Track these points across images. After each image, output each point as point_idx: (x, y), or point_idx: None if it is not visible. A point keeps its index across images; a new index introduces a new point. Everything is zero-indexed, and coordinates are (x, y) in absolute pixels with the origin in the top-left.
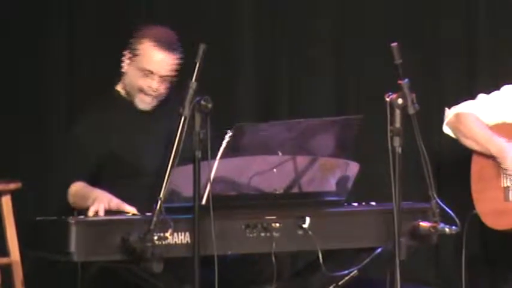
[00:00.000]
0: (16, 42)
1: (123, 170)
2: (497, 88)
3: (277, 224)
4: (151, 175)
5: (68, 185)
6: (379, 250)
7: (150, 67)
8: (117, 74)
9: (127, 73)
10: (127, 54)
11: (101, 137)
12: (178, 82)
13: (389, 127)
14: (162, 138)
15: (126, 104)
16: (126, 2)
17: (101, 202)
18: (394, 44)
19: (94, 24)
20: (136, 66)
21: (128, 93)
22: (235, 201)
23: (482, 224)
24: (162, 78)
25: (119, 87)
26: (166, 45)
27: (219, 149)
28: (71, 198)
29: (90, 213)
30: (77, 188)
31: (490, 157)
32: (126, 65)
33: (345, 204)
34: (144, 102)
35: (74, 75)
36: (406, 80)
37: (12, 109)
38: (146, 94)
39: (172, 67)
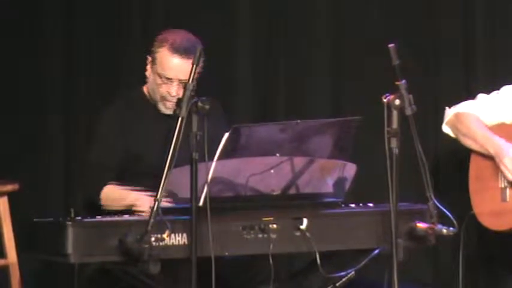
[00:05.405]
0: (16, 42)
1: (141, 169)
2: (496, 88)
3: (275, 225)
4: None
5: (99, 189)
6: (376, 251)
7: (167, 74)
8: (142, 76)
9: (149, 79)
10: (149, 60)
11: (121, 135)
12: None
13: (386, 128)
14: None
15: (149, 106)
16: (125, 2)
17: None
18: (391, 45)
19: (94, 24)
20: (156, 72)
21: (151, 96)
22: (232, 203)
23: (479, 225)
24: (181, 83)
25: (145, 89)
26: (182, 50)
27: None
28: (103, 201)
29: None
30: (110, 190)
31: (488, 157)
32: (148, 70)
33: (343, 205)
34: (166, 108)
35: (74, 75)
36: (404, 81)
37: (12, 109)
38: (167, 100)
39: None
